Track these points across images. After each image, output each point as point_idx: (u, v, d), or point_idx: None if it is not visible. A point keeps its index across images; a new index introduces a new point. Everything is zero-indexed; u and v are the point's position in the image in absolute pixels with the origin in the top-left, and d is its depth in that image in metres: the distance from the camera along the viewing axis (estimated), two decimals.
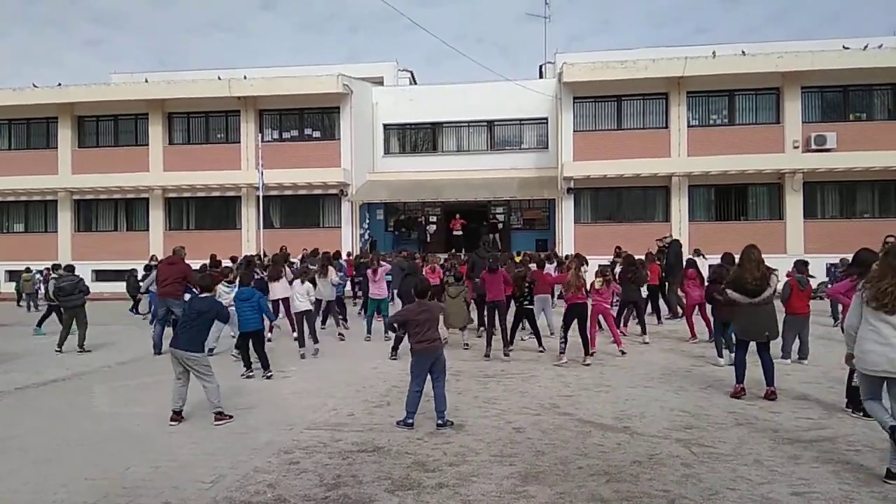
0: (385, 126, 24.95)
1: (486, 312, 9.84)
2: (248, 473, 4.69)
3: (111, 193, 23.86)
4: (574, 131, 21.34)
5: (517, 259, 14.26)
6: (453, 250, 18.25)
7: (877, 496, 4.13)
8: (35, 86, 23.64)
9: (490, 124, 24.51)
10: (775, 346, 7.99)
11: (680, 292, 12.02)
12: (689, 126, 20.94)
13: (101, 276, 22.65)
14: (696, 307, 10.72)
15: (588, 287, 9.26)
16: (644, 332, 10.78)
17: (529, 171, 23.23)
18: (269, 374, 8.21)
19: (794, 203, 20.48)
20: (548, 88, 23.33)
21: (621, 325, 11.20)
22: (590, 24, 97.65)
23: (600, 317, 9.75)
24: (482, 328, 10.77)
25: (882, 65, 19.34)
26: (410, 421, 5.79)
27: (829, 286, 11.08)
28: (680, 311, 12.69)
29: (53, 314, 12.96)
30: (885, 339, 4.33)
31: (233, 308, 8.52)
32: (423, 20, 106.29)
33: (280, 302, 11.43)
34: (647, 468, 4.68)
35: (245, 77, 22.87)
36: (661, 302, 13.49)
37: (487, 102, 23.90)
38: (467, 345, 10.35)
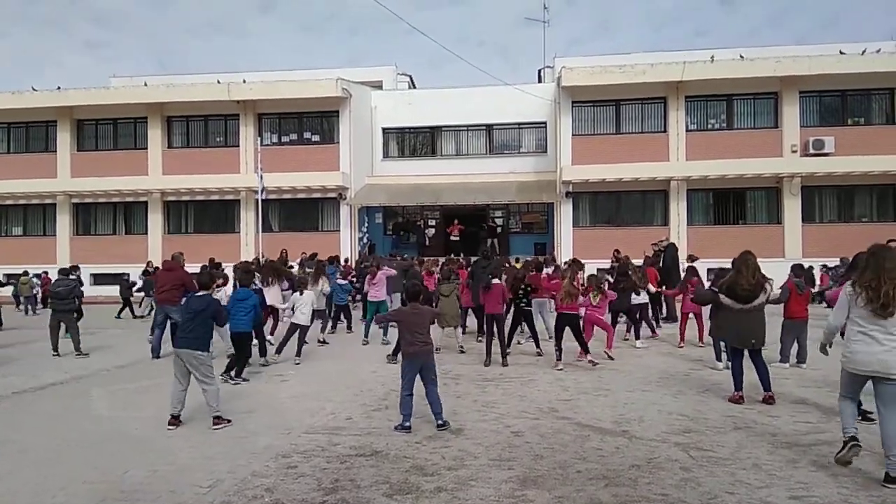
0: (384, 130, 25.00)
1: (485, 323, 9.85)
2: (245, 478, 4.68)
3: (110, 197, 23.85)
4: (573, 135, 21.37)
5: (517, 265, 14.29)
6: (451, 255, 18.27)
7: (875, 500, 4.14)
8: (34, 89, 23.64)
9: (489, 128, 24.56)
10: (772, 351, 8.02)
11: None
12: (687, 130, 20.99)
13: (99, 279, 22.65)
14: (693, 315, 10.64)
15: (581, 296, 9.15)
16: (637, 337, 10.75)
17: (528, 174, 23.27)
18: (237, 381, 8.04)
19: (792, 207, 20.52)
20: (547, 93, 23.40)
21: (624, 331, 11.20)
22: (588, 27, 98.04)
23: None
24: (481, 335, 10.78)
25: (880, 69, 19.42)
26: (408, 424, 5.80)
27: (832, 289, 11.06)
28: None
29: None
30: (875, 339, 4.43)
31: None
32: (422, 24, 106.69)
33: (270, 309, 11.25)
34: (646, 472, 4.68)
35: (244, 81, 22.91)
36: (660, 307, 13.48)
37: (486, 106, 23.95)
38: (462, 348, 10.35)
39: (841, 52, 20.26)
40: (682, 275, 12.27)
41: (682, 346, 10.45)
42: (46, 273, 19.39)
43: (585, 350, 8.91)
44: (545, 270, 12.15)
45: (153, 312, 12.67)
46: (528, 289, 9.85)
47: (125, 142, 24.05)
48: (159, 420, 6.14)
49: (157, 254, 21.36)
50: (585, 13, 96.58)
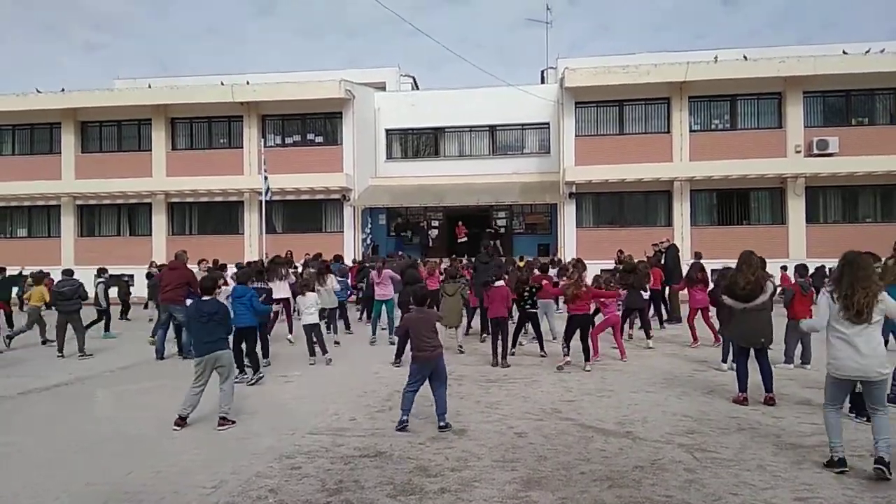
0: (387, 131, 25.00)
1: (489, 326, 9.85)
2: (249, 479, 4.69)
3: (114, 198, 23.90)
4: (576, 136, 21.31)
5: (520, 264, 14.29)
6: (454, 255, 18.26)
7: (880, 501, 4.12)
8: (38, 91, 23.70)
9: (492, 129, 24.53)
10: (777, 351, 7.99)
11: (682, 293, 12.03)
12: (691, 131, 20.92)
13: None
14: (700, 311, 10.70)
15: (588, 291, 9.17)
16: (648, 336, 10.77)
17: (531, 175, 23.24)
18: (253, 380, 8.12)
19: (796, 208, 20.44)
20: (549, 93, 23.38)
21: (626, 327, 11.17)
22: (591, 28, 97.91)
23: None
24: (485, 334, 10.78)
25: (884, 69, 19.31)
26: (405, 419, 5.82)
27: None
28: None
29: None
30: (854, 344, 4.55)
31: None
32: (425, 25, 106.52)
33: (281, 302, 11.55)
34: (650, 473, 4.67)
35: (248, 83, 22.92)
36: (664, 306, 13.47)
37: (489, 107, 23.93)
38: (462, 348, 10.35)
39: (844, 53, 20.20)
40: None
41: (697, 344, 10.47)
42: (49, 274, 19.39)
43: (587, 356, 8.86)
44: (551, 271, 12.17)
45: (157, 312, 12.71)
46: (534, 290, 9.85)
47: (129, 143, 24.09)
48: (163, 421, 6.16)
49: (161, 255, 21.38)
50: (587, 15, 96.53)
